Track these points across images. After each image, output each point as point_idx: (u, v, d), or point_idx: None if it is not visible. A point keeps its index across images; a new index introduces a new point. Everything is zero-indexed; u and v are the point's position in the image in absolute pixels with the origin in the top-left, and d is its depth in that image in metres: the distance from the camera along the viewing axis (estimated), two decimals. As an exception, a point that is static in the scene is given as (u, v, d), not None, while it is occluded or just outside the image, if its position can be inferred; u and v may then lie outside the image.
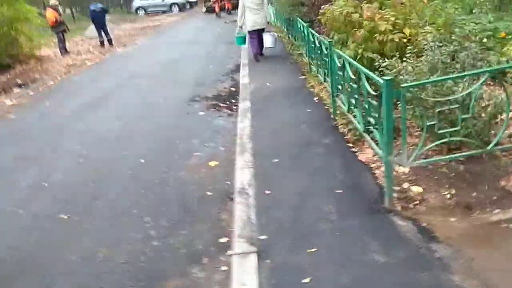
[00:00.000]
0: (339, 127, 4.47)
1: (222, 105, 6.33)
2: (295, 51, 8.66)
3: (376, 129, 3.04)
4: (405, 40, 4.32)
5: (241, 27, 8.63)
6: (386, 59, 4.02)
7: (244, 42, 9.05)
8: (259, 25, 8.31)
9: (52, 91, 9.03)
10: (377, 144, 3.19)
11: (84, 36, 18.94)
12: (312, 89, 6.04)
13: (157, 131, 5.47)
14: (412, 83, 2.63)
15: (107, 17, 14.75)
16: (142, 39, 16.96)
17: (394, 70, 3.51)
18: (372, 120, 3.13)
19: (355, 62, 3.37)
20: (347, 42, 4.90)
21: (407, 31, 4.33)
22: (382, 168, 3.41)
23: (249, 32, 8.46)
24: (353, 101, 3.66)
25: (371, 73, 2.94)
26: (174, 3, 31.97)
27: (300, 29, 7.57)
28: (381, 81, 2.65)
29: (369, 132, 3.40)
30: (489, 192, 2.92)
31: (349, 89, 3.74)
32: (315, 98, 5.57)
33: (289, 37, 10.02)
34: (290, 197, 3.27)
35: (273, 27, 13.56)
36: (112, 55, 13.41)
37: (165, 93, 7.46)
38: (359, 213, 2.93)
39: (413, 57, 3.77)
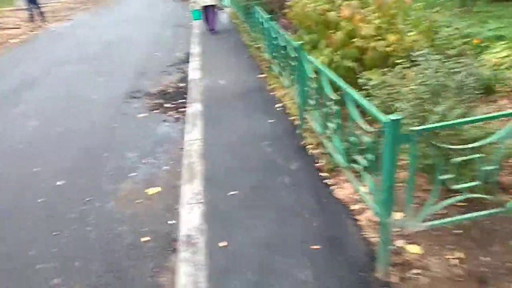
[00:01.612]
0: (308, 147, 3.74)
1: (167, 105, 5.38)
2: (252, 43, 7.81)
3: (369, 172, 2.30)
4: (388, 49, 3.64)
5: (194, 2, 9.23)
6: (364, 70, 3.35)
7: (200, 17, 9.57)
8: (209, 1, 9.08)
9: (-40, 73, 7.53)
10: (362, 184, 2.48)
11: (14, 7, 16.76)
12: (273, 93, 5.25)
13: (82, 137, 4.44)
14: (428, 126, 1.92)
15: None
16: (81, 15, 15.24)
17: (384, 91, 2.80)
18: (360, 159, 2.38)
19: (342, 83, 2.57)
20: (318, 45, 4.15)
21: (391, 37, 3.65)
22: (367, 214, 2.75)
23: (201, 7, 9.22)
24: (332, 125, 2.90)
25: (372, 106, 2.16)
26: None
27: (259, 19, 6.71)
28: (384, 120, 1.92)
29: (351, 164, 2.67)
30: (504, 256, 2.33)
31: (326, 109, 2.97)
32: (278, 106, 4.79)
33: (245, 27, 9.13)
34: (253, 254, 2.48)
35: (227, 8, 12.58)
36: (42, 32, 11.77)
37: (98, 85, 6.35)
38: (345, 285, 2.22)
39: (401, 72, 3.11)
